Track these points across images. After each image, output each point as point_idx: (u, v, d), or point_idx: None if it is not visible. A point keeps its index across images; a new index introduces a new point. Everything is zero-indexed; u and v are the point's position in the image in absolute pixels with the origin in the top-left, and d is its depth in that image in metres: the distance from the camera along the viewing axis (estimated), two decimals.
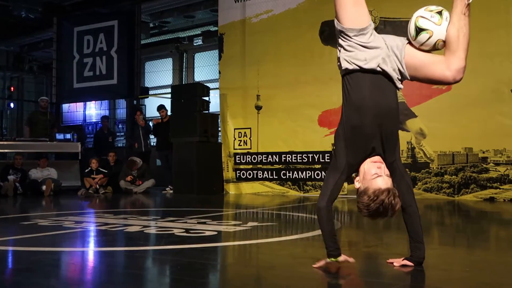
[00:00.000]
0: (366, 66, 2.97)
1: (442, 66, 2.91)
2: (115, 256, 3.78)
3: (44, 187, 10.34)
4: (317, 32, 9.87)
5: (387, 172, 2.93)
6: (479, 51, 8.44)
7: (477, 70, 8.42)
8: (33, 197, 10.06)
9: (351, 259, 3.05)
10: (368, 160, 2.96)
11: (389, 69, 2.97)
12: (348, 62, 3.02)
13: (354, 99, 2.99)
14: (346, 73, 3.05)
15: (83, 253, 3.92)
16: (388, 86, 3.01)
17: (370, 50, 2.99)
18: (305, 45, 10.05)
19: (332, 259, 2.99)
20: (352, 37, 3.00)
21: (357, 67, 2.99)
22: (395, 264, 3.15)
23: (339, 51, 3.09)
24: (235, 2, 11.09)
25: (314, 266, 3.07)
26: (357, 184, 2.97)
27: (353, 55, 3.00)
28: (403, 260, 3.13)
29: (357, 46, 3.00)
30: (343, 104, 3.07)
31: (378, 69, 2.97)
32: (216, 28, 12.39)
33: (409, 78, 3.03)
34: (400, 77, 3.02)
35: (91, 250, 4.06)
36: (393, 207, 2.80)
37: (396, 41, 3.02)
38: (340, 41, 3.07)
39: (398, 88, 3.05)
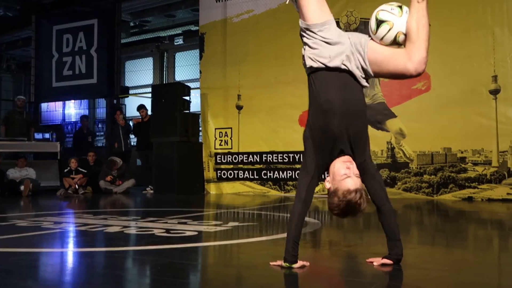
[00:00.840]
0: (331, 64, 2.97)
1: (404, 58, 2.88)
2: (94, 257, 3.75)
3: (22, 187, 10.21)
4: (297, 32, 9.77)
5: (356, 172, 2.94)
6: (458, 52, 8.57)
7: (456, 71, 8.56)
8: (11, 197, 9.94)
9: (307, 263, 3.07)
10: (338, 159, 2.96)
11: (352, 67, 2.97)
12: (312, 60, 3.03)
13: (320, 100, 2.99)
14: (311, 71, 3.06)
15: (62, 254, 3.88)
16: (354, 85, 3.00)
17: (333, 46, 2.98)
18: (286, 45, 10.06)
19: (287, 264, 3.01)
20: (317, 32, 3.01)
21: (322, 65, 3.00)
22: (374, 263, 3.18)
23: (304, 49, 3.10)
24: (216, 1, 11.08)
25: (271, 263, 3.11)
26: (327, 184, 2.99)
27: (318, 53, 3.01)
28: (382, 259, 3.16)
29: (321, 43, 3.00)
30: (309, 104, 3.07)
31: (343, 67, 2.97)
32: (197, 28, 12.36)
33: (372, 75, 3.01)
34: (363, 75, 3.00)
35: (70, 251, 4.03)
36: (360, 207, 2.88)
37: (359, 38, 3.01)
38: (304, 39, 3.09)
39: (363, 86, 3.04)
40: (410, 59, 2.85)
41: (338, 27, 3.12)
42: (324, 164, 3.00)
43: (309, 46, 3.06)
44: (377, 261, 3.18)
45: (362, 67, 2.98)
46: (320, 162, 3.00)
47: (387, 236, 3.15)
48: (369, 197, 3.09)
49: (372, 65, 2.96)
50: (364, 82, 3.02)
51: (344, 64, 2.96)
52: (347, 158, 2.96)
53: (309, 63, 3.05)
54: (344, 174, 2.90)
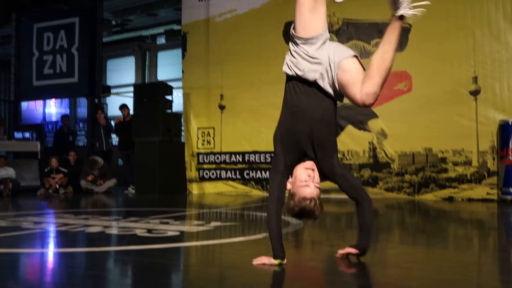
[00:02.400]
0: (303, 76, 3.04)
1: (358, 88, 2.89)
2: (75, 257, 3.72)
3: (2, 187, 10.10)
4: (280, 32, 9.92)
5: (318, 179, 3.05)
6: (438, 53, 8.65)
7: (437, 72, 8.64)
8: None
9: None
10: (301, 165, 3.06)
11: (325, 85, 3.02)
12: (288, 67, 3.11)
13: (291, 104, 3.10)
14: (287, 77, 3.15)
15: (42, 255, 3.84)
16: (324, 96, 3.05)
17: (311, 61, 3.03)
18: (269, 45, 10.08)
19: (279, 260, 3.08)
20: (300, 45, 3.05)
21: (295, 75, 3.08)
22: (339, 251, 3.31)
23: (287, 53, 3.16)
24: (199, 1, 11.05)
25: (254, 262, 3.14)
26: (288, 185, 3.10)
27: (295, 62, 3.08)
28: (348, 247, 3.29)
29: (301, 54, 3.05)
30: (282, 106, 3.18)
31: (314, 82, 3.03)
32: (179, 27, 12.31)
33: (340, 93, 3.04)
34: (333, 93, 3.03)
35: (50, 251, 3.99)
36: (313, 214, 2.99)
37: (335, 57, 3.00)
38: (290, 44, 3.15)
39: (335, 100, 3.09)
40: (361, 89, 2.87)
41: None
42: (291, 165, 3.09)
43: (291, 53, 3.12)
44: (341, 250, 3.31)
45: (333, 86, 3.02)
46: (288, 162, 3.09)
47: (360, 228, 3.25)
48: (346, 195, 3.22)
49: (339, 84, 2.99)
50: (334, 97, 3.06)
51: (316, 81, 3.03)
52: (310, 164, 3.06)
53: (285, 69, 3.14)
54: (304, 181, 3.01)
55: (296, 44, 3.07)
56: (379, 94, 2.86)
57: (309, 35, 3.02)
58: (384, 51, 2.82)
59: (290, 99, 3.11)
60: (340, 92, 3.03)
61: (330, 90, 3.02)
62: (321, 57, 3.02)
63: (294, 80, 3.10)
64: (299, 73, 3.05)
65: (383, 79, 2.84)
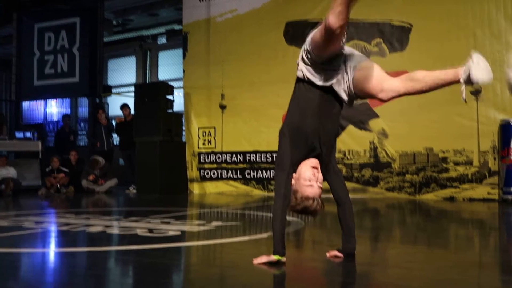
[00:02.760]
0: (318, 83, 3.09)
1: (382, 78, 2.97)
2: (76, 257, 3.72)
3: (3, 187, 10.11)
4: (281, 32, 9.92)
5: (321, 178, 3.11)
6: (439, 53, 8.64)
7: None
8: None
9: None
10: (306, 162, 3.11)
11: (340, 90, 3.09)
12: (303, 73, 3.14)
13: (302, 102, 3.16)
14: (301, 80, 3.18)
15: (44, 254, 3.85)
16: (334, 100, 3.14)
17: (327, 69, 3.08)
18: (270, 45, 10.08)
19: (278, 256, 3.10)
20: (315, 59, 3.08)
21: (308, 79, 3.12)
22: (327, 254, 3.41)
23: (300, 58, 3.18)
24: (200, 1, 11.06)
25: (255, 261, 3.15)
26: (292, 181, 3.13)
27: (310, 70, 3.12)
28: (335, 251, 3.39)
29: (316, 64, 3.09)
30: (291, 103, 3.22)
31: (330, 87, 3.09)
32: (180, 27, 12.31)
33: (355, 96, 3.13)
34: (347, 98, 3.12)
35: (51, 251, 3.99)
36: (314, 212, 3.07)
37: (353, 62, 3.07)
38: (303, 52, 3.15)
39: (342, 104, 3.19)
40: (388, 80, 2.95)
41: None
42: (298, 161, 3.13)
43: (304, 60, 3.13)
44: (330, 252, 3.41)
45: (348, 90, 3.09)
46: (295, 159, 3.12)
47: (343, 231, 3.35)
48: (331, 194, 3.34)
49: (355, 82, 3.05)
50: (347, 101, 3.15)
51: (332, 87, 3.08)
52: (315, 162, 3.12)
53: (299, 74, 3.17)
54: (308, 180, 3.06)
55: (311, 57, 3.08)
56: (391, 99, 2.97)
57: (323, 59, 3.06)
58: (431, 77, 3.03)
59: (302, 96, 3.16)
60: (354, 95, 3.10)
61: (344, 95, 3.10)
62: (336, 66, 3.08)
63: (306, 82, 3.13)
64: (314, 79, 3.09)
65: (407, 92, 2.95)
